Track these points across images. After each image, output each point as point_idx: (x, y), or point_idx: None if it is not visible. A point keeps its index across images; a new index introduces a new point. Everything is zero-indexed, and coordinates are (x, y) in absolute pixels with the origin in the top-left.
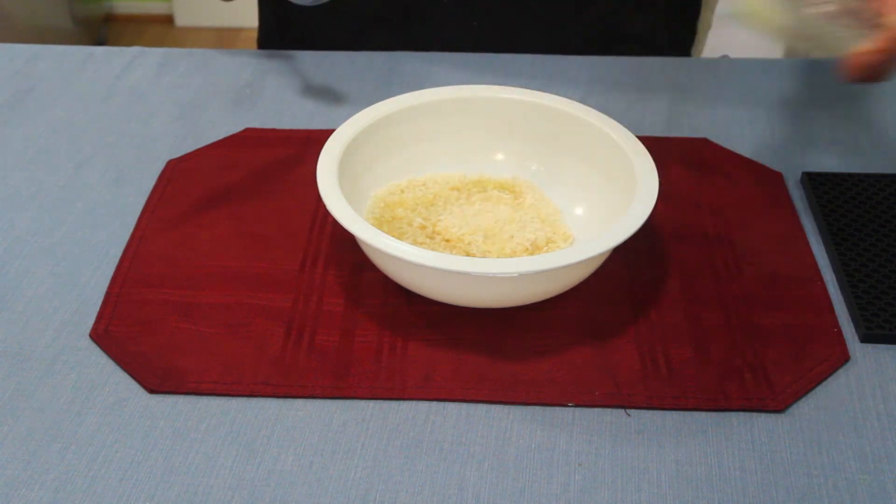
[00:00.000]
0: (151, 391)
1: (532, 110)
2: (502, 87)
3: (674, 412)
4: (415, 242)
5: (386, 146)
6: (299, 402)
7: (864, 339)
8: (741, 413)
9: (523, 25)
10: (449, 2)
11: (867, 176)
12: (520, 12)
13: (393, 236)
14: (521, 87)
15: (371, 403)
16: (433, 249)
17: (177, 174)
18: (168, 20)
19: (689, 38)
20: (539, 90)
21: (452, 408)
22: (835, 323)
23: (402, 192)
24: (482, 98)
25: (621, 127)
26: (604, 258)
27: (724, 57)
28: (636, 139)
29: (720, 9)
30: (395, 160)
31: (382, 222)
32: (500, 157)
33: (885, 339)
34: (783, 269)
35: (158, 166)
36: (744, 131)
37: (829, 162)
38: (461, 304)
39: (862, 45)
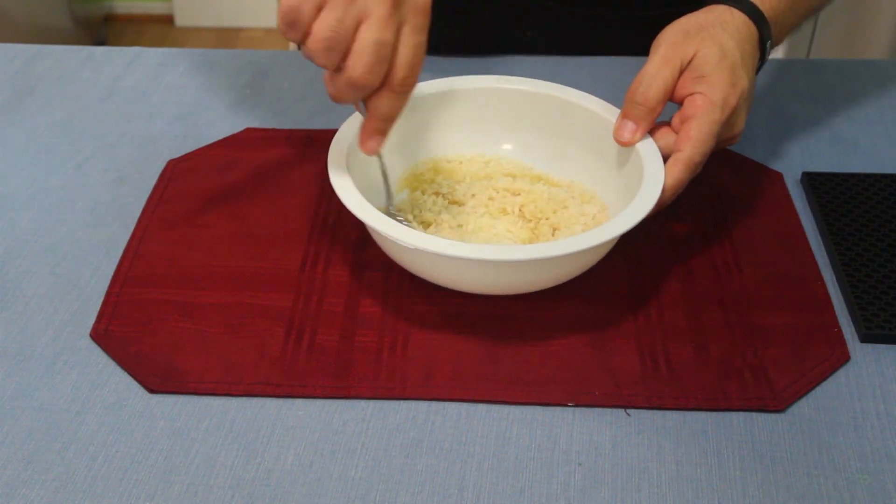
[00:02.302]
0: (151, 391)
1: (537, 100)
2: (507, 78)
3: (674, 412)
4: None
5: (397, 133)
6: (299, 402)
7: (864, 339)
8: (741, 413)
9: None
10: (532, 34)
11: (867, 176)
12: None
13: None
14: None
15: (371, 403)
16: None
17: (177, 174)
18: (168, 20)
19: None
20: None
21: (452, 408)
22: (835, 323)
23: (461, 162)
24: (489, 89)
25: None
26: (608, 248)
27: None
28: (654, 146)
29: None
30: (409, 145)
31: (421, 181)
32: (507, 146)
33: (885, 339)
34: (783, 269)
35: (158, 166)
36: (744, 131)
37: (829, 162)
38: (450, 287)
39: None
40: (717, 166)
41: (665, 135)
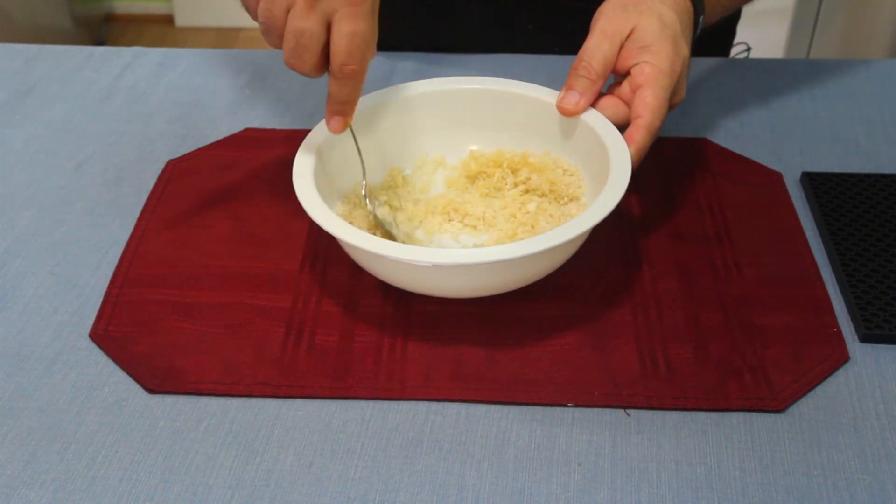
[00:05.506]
0: (151, 391)
1: (483, 97)
2: (466, 78)
3: (674, 412)
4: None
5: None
6: (299, 402)
7: (864, 339)
8: (741, 413)
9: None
10: (533, 28)
11: (867, 176)
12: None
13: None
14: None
15: (371, 403)
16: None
17: (177, 174)
18: (168, 20)
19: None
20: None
21: (452, 408)
22: (834, 323)
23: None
24: (451, 91)
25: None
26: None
27: (742, 44)
28: (608, 121)
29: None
30: (375, 153)
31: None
32: (474, 147)
33: (885, 339)
34: (783, 269)
35: (158, 166)
36: (744, 131)
37: (829, 162)
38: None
39: None
40: (717, 166)
41: (613, 104)
